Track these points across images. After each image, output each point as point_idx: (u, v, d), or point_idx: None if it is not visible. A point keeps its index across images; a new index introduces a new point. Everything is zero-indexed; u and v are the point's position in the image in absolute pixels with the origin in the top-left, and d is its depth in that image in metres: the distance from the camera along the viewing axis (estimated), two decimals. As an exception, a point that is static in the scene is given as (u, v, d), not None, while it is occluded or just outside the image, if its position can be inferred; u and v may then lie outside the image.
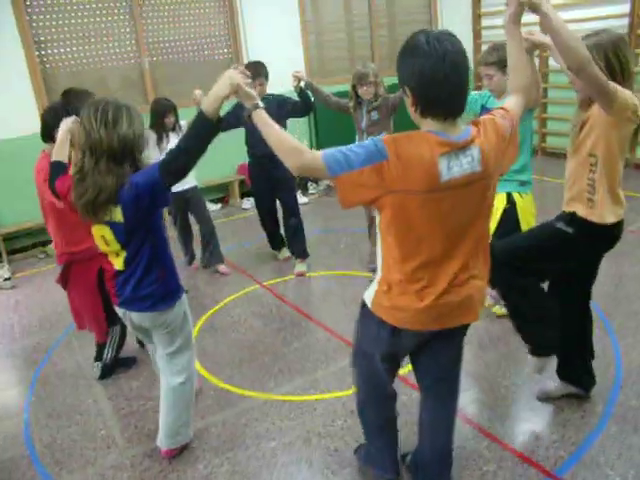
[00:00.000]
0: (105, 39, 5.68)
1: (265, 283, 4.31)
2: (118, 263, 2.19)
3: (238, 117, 4.28)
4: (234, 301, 4.07)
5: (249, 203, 6.30)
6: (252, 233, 5.32)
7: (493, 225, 3.23)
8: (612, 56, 2.12)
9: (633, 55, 2.21)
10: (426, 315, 1.72)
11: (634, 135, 2.22)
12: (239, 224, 5.95)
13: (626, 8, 5.92)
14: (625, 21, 5.93)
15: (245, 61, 5.83)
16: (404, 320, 1.75)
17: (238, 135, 4.40)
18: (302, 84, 4.10)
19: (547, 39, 2.53)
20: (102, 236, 2.13)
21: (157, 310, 2.24)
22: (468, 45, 7.70)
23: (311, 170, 1.63)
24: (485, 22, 7.51)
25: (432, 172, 1.54)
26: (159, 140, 4.19)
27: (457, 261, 1.68)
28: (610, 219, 2.23)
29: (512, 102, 1.83)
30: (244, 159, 4.59)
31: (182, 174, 1.99)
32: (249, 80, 1.83)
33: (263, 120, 1.72)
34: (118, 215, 2.03)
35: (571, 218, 2.29)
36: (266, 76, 4.23)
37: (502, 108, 1.78)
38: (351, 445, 2.49)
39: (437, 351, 1.92)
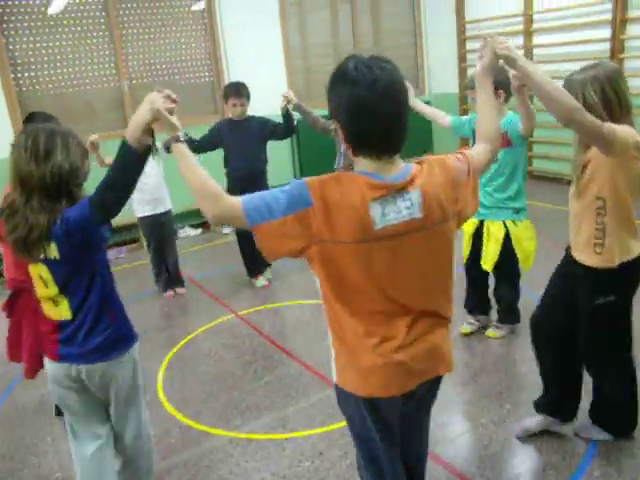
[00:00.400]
0: (84, 62, 5.61)
1: (240, 312, 4.16)
2: (63, 312, 1.93)
3: (218, 137, 4.21)
4: (206, 332, 3.91)
5: (229, 228, 6.18)
6: (231, 259, 5.18)
7: (495, 254, 3.17)
8: (609, 90, 2.03)
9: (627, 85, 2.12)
10: (392, 373, 1.49)
11: None
12: (219, 250, 5.81)
13: (607, 32, 5.91)
14: (606, 45, 5.92)
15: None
16: (371, 385, 1.51)
17: (219, 158, 4.31)
18: (290, 106, 4.02)
19: None
20: (40, 275, 1.92)
21: (109, 359, 1.97)
22: (453, 69, 7.70)
23: (229, 219, 1.44)
24: (470, 45, 7.51)
25: (363, 220, 1.35)
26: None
27: (411, 313, 1.48)
28: (627, 257, 2.13)
29: (475, 150, 1.64)
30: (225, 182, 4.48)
31: (113, 210, 1.78)
32: (173, 105, 1.61)
33: (183, 156, 1.50)
34: (53, 251, 1.83)
35: (599, 280, 2.17)
36: (247, 97, 4.17)
37: (460, 152, 1.59)
38: (317, 490, 2.34)
39: (413, 418, 1.74)
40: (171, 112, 1.59)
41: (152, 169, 4.13)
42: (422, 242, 1.43)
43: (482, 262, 3.22)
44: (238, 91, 4.15)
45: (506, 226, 3.15)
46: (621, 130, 1.96)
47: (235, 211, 1.38)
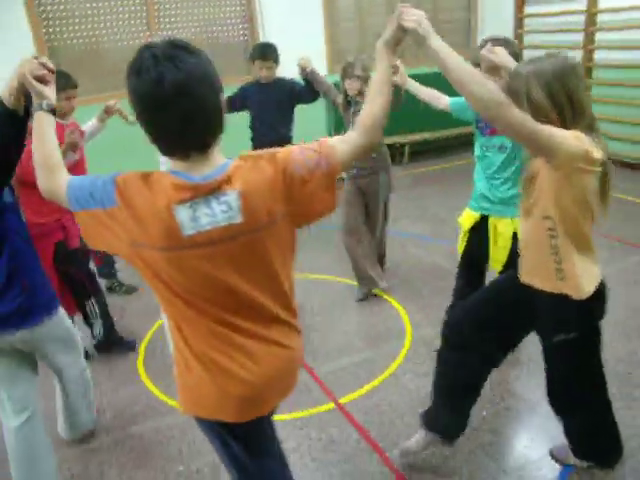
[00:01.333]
0: (115, 17, 5.57)
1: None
2: None
3: (244, 99, 4.04)
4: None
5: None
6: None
7: (505, 255, 2.68)
8: (556, 86, 1.66)
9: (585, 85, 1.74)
10: (226, 399, 1.38)
11: (602, 185, 1.74)
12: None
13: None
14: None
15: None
16: (209, 408, 1.41)
17: (240, 121, 3.98)
18: (308, 70, 3.80)
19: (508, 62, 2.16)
20: None
21: (22, 328, 1.96)
22: (510, 35, 7.13)
23: (58, 199, 1.35)
24: (528, 10, 6.89)
25: (169, 225, 1.21)
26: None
27: (244, 327, 1.34)
28: (591, 286, 1.83)
29: (342, 138, 1.38)
30: (248, 147, 4.26)
31: None
32: (44, 71, 1.54)
33: (41, 124, 1.45)
34: None
35: (560, 313, 1.87)
36: (275, 60, 3.93)
37: (317, 141, 1.37)
38: None
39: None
40: (43, 79, 1.53)
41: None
42: (245, 249, 1.27)
43: (492, 262, 2.77)
44: (264, 54, 3.93)
45: (515, 224, 2.64)
46: (567, 136, 1.61)
47: (61, 192, 1.32)
